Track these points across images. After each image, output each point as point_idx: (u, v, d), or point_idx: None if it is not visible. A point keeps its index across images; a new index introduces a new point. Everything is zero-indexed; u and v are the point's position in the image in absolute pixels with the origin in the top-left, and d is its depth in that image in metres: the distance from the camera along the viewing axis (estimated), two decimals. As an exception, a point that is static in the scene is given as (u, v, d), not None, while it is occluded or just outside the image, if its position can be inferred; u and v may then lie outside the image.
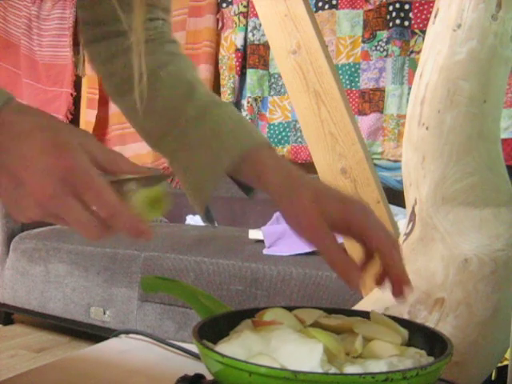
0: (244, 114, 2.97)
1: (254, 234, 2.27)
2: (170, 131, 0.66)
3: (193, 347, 0.73)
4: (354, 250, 1.09)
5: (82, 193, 0.44)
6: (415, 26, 2.51)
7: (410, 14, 2.51)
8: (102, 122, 3.28)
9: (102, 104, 3.24)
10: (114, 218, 0.45)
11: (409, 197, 0.76)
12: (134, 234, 0.46)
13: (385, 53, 2.58)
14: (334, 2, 2.69)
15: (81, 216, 0.45)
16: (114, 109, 3.19)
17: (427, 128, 0.72)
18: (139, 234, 0.46)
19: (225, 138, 0.63)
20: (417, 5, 2.50)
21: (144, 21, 0.64)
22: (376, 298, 0.76)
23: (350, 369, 0.46)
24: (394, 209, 1.32)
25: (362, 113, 2.65)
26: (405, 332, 0.56)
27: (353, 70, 2.67)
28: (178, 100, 0.66)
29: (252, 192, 0.66)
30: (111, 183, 0.46)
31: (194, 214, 2.91)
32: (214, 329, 0.55)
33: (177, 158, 0.66)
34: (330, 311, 0.61)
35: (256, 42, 2.89)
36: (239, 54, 2.93)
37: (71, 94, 3.34)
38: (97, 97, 3.24)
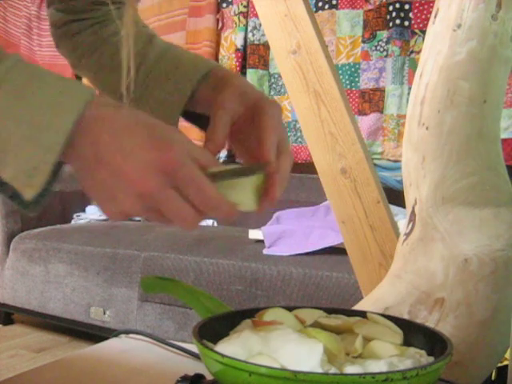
0: (244, 113, 2.97)
1: (254, 233, 2.27)
2: (135, 79, 0.66)
3: (193, 347, 0.73)
4: (355, 249, 1.09)
5: (183, 186, 0.46)
6: (415, 26, 2.51)
7: (410, 14, 2.51)
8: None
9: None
10: (214, 210, 0.47)
11: (409, 197, 0.76)
12: (227, 221, 0.48)
13: (385, 53, 2.58)
14: (334, 2, 2.69)
15: (181, 208, 0.47)
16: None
17: (427, 128, 0.72)
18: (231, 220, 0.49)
19: (185, 68, 0.65)
20: (417, 5, 2.50)
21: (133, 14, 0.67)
22: (376, 298, 0.76)
23: (350, 369, 0.46)
24: (394, 209, 1.32)
25: (362, 113, 2.65)
26: (400, 333, 0.56)
27: (353, 70, 2.67)
28: (140, 48, 0.68)
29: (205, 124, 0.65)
30: (208, 176, 0.47)
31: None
32: (214, 329, 0.55)
33: (143, 100, 0.67)
34: (329, 311, 0.61)
35: (256, 42, 2.89)
36: (239, 54, 2.93)
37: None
38: (97, 97, 3.24)
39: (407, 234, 0.75)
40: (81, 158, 0.47)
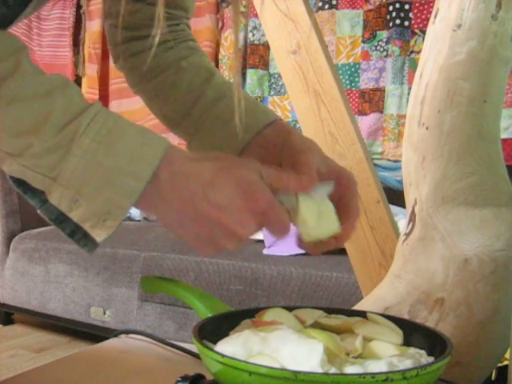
0: (244, 113, 2.97)
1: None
2: (189, 114, 0.69)
3: (193, 347, 0.73)
4: (355, 249, 1.09)
5: (269, 223, 0.52)
6: (415, 26, 2.51)
7: (410, 14, 2.51)
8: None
9: (102, 104, 3.24)
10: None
11: (409, 197, 0.76)
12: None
13: (385, 53, 2.58)
14: (334, 2, 2.69)
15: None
16: (113, 109, 3.18)
17: (427, 128, 0.72)
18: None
19: (244, 117, 0.66)
20: (417, 5, 2.50)
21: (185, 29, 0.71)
22: (376, 298, 0.76)
23: (350, 369, 0.46)
24: (394, 209, 1.32)
25: (362, 113, 2.65)
26: (400, 333, 0.56)
27: (353, 69, 2.67)
28: (198, 84, 0.70)
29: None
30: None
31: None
32: (214, 329, 0.55)
33: (196, 138, 0.69)
34: (329, 311, 0.61)
35: (256, 42, 2.89)
36: (239, 54, 2.93)
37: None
38: (97, 97, 3.24)
39: (407, 234, 0.75)
40: (164, 209, 0.51)
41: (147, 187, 0.48)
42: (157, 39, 0.55)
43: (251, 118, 0.66)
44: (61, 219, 0.49)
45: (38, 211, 0.50)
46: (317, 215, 0.55)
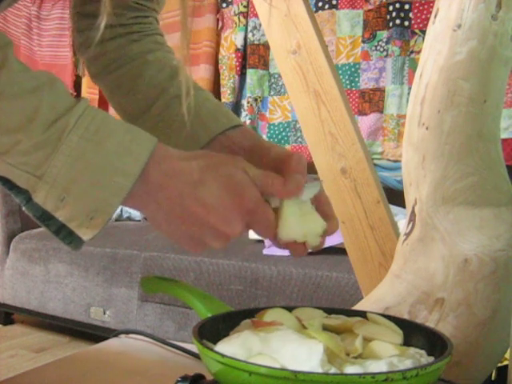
0: (244, 114, 2.97)
1: (254, 234, 2.27)
2: (149, 109, 0.68)
3: (193, 347, 0.73)
4: (355, 249, 1.09)
5: (256, 223, 0.53)
6: (415, 26, 2.51)
7: (410, 14, 2.51)
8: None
9: (102, 104, 3.24)
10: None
11: (409, 197, 0.76)
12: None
13: (385, 53, 2.58)
14: (334, 2, 2.69)
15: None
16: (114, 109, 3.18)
17: (427, 128, 0.72)
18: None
19: (204, 118, 0.66)
20: (417, 5, 2.50)
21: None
22: (376, 298, 0.76)
23: (350, 369, 0.46)
24: (394, 209, 1.32)
25: (362, 113, 2.64)
26: (400, 333, 0.56)
27: (353, 69, 2.67)
28: (162, 80, 0.68)
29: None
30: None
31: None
32: (214, 329, 0.55)
33: (153, 135, 0.67)
34: (329, 311, 0.61)
35: (256, 42, 2.89)
36: (239, 54, 2.93)
37: (71, 94, 3.33)
38: (97, 97, 3.23)
39: (407, 234, 0.75)
40: (152, 207, 0.50)
41: (135, 185, 0.47)
42: (102, 25, 0.54)
43: (212, 120, 0.65)
44: (46, 217, 0.48)
45: (23, 208, 0.49)
46: (299, 216, 0.54)
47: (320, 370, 0.45)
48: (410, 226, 0.75)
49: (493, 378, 0.76)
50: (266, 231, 0.54)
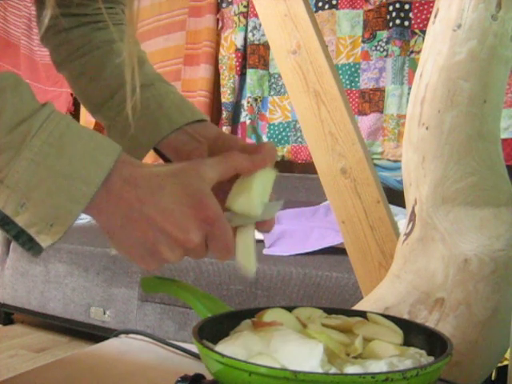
0: (244, 113, 2.97)
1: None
2: (112, 97, 0.68)
3: (193, 347, 0.73)
4: (355, 249, 1.09)
5: (214, 238, 0.51)
6: (415, 26, 2.51)
7: (410, 14, 2.52)
8: (102, 122, 3.28)
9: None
10: (226, 255, 0.54)
11: (409, 197, 0.76)
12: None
13: (385, 53, 2.58)
14: (334, 2, 2.69)
15: (204, 255, 0.53)
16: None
17: (427, 128, 0.72)
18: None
19: (168, 109, 0.66)
20: (417, 5, 2.50)
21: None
22: (376, 298, 0.76)
23: (350, 369, 0.46)
24: (394, 209, 1.32)
25: (362, 113, 2.65)
26: (400, 333, 0.56)
27: (353, 69, 2.67)
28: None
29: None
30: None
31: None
32: (214, 329, 0.55)
33: (115, 124, 0.68)
34: (329, 311, 0.61)
35: (256, 42, 2.89)
36: (239, 54, 2.93)
37: (71, 94, 3.34)
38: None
39: (407, 234, 0.75)
40: (109, 214, 0.49)
41: (97, 193, 0.46)
42: (48, 16, 0.53)
43: (177, 112, 0.65)
44: (5, 221, 0.46)
45: None
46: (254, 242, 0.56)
47: (320, 370, 0.45)
48: (410, 226, 0.75)
49: (493, 378, 0.76)
50: (223, 248, 0.52)
